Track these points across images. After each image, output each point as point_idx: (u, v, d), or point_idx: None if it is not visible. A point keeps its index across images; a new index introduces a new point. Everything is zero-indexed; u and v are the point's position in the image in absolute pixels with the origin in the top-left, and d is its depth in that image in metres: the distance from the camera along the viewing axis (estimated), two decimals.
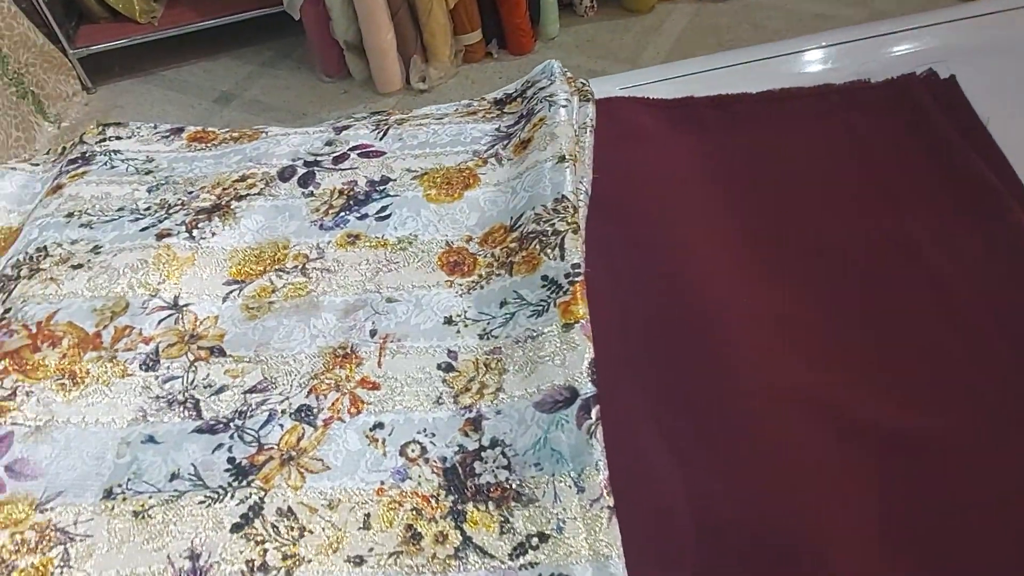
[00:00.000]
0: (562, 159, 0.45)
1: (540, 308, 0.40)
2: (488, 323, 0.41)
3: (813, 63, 0.59)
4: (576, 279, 0.40)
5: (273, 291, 0.44)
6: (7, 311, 0.43)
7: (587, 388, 0.35)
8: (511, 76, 1.93)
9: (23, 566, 0.34)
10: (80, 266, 0.45)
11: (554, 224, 0.42)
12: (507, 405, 0.37)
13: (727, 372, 0.39)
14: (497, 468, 0.35)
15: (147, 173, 0.52)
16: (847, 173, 0.49)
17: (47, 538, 0.35)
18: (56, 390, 0.40)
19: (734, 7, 2.09)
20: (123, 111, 2.11)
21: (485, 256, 0.44)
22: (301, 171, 0.50)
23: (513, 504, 0.34)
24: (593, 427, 0.34)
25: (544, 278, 0.41)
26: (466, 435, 0.37)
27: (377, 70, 1.91)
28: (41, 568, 0.33)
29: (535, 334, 0.39)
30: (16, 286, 0.44)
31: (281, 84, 2.03)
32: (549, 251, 0.41)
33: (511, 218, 0.45)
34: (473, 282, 0.43)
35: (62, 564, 0.34)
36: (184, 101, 2.09)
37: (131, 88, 2.22)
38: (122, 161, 0.53)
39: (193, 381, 0.40)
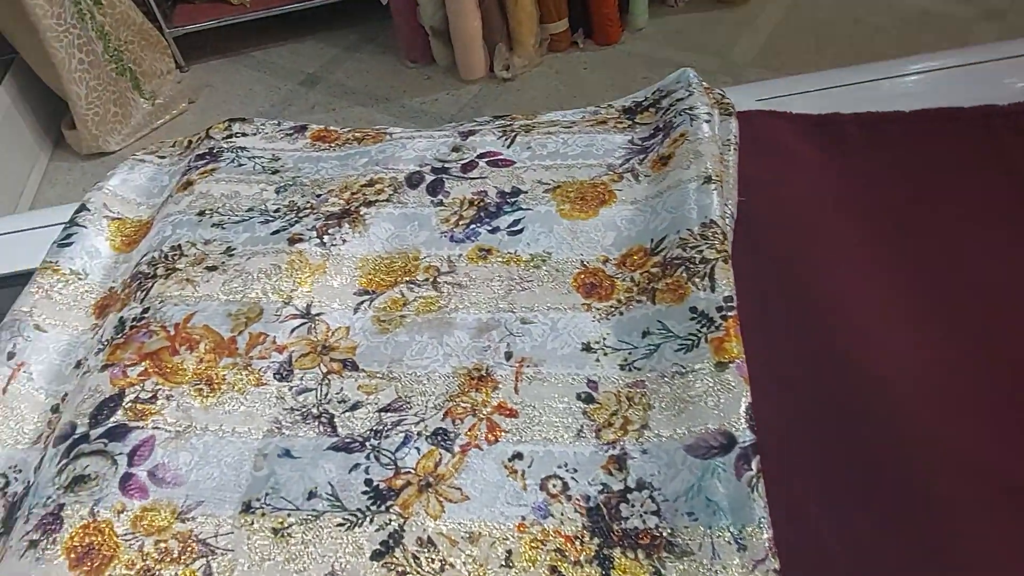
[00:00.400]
0: (708, 180, 0.43)
1: (689, 343, 0.38)
2: (630, 353, 0.39)
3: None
4: (729, 314, 0.37)
5: (404, 304, 0.43)
6: (146, 311, 0.43)
7: (746, 436, 0.33)
8: (596, 66, 1.89)
9: None
10: (215, 268, 0.45)
11: (702, 251, 0.40)
12: (654, 444, 0.35)
13: (890, 423, 0.36)
14: (645, 513, 0.33)
15: (274, 172, 0.52)
16: (1009, 207, 0.45)
17: (189, 549, 0.34)
18: (194, 396, 0.40)
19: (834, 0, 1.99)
20: (213, 90, 2.16)
21: (624, 280, 0.42)
22: (429, 178, 0.49)
23: (665, 555, 0.32)
24: (755, 480, 0.32)
25: (692, 310, 0.38)
26: (610, 473, 0.35)
27: (461, 57, 1.90)
28: None
29: (684, 371, 0.37)
30: (153, 285, 0.45)
31: (365, 68, 2.04)
32: (697, 280, 0.39)
33: (651, 240, 0.43)
34: (612, 307, 0.41)
35: None
36: (271, 82, 2.12)
37: (221, 68, 2.27)
38: (249, 159, 0.53)
39: (327, 395, 0.40)
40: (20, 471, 0.42)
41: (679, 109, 0.48)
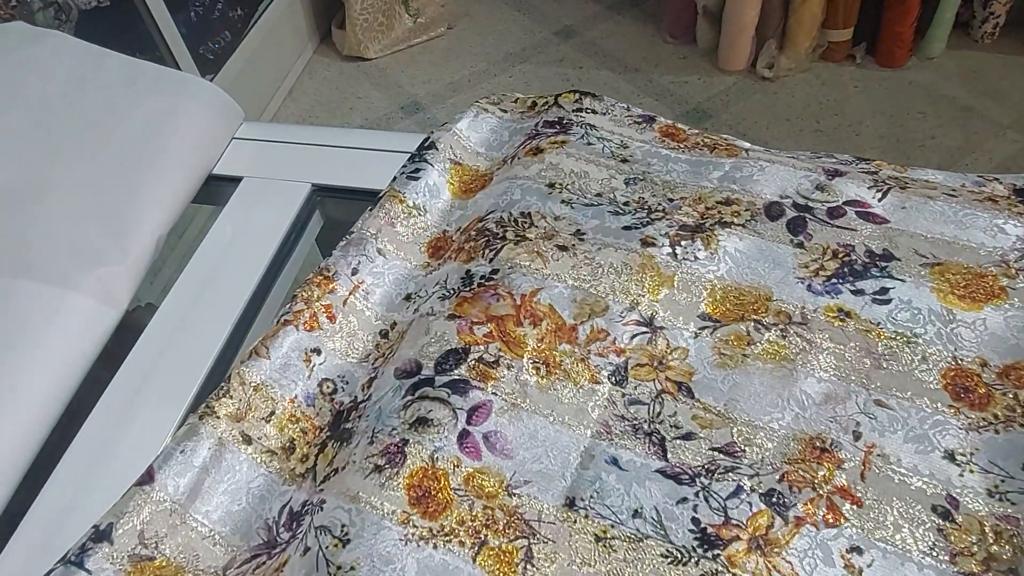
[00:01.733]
0: None
1: None
2: (1003, 481, 0.35)
3: None
4: None
5: (749, 343, 0.41)
6: (495, 272, 0.45)
7: None
8: (868, 87, 1.74)
9: (493, 545, 0.35)
10: (565, 249, 0.45)
11: None
12: None
13: None
14: None
15: (623, 161, 0.51)
16: None
17: (514, 526, 0.35)
18: (532, 372, 0.40)
19: None
20: (472, 20, 2.21)
21: (1005, 393, 0.38)
22: (791, 214, 0.46)
23: None
24: None
25: None
26: None
27: (726, 44, 1.83)
28: (508, 554, 0.34)
29: None
30: (503, 247, 0.46)
31: (622, 32, 2.01)
32: None
33: None
34: (985, 420, 0.37)
35: (525, 559, 0.34)
36: (528, 25, 2.14)
37: (484, 0, 2.31)
38: (598, 139, 0.53)
39: (659, 415, 0.39)
40: (347, 383, 0.45)
41: None
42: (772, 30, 1.71)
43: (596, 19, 2.02)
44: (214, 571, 0.39)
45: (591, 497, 0.36)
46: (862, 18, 1.71)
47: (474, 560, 0.34)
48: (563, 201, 0.48)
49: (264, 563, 0.39)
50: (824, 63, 1.74)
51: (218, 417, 0.42)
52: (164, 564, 0.39)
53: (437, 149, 0.54)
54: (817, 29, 1.70)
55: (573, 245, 0.45)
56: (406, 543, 0.35)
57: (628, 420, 0.39)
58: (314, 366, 0.45)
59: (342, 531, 0.36)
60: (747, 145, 0.53)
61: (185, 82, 0.59)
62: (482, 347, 0.41)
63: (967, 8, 1.69)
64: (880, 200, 0.47)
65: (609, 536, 0.35)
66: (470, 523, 0.35)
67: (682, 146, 0.53)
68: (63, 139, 0.55)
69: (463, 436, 0.38)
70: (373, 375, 0.45)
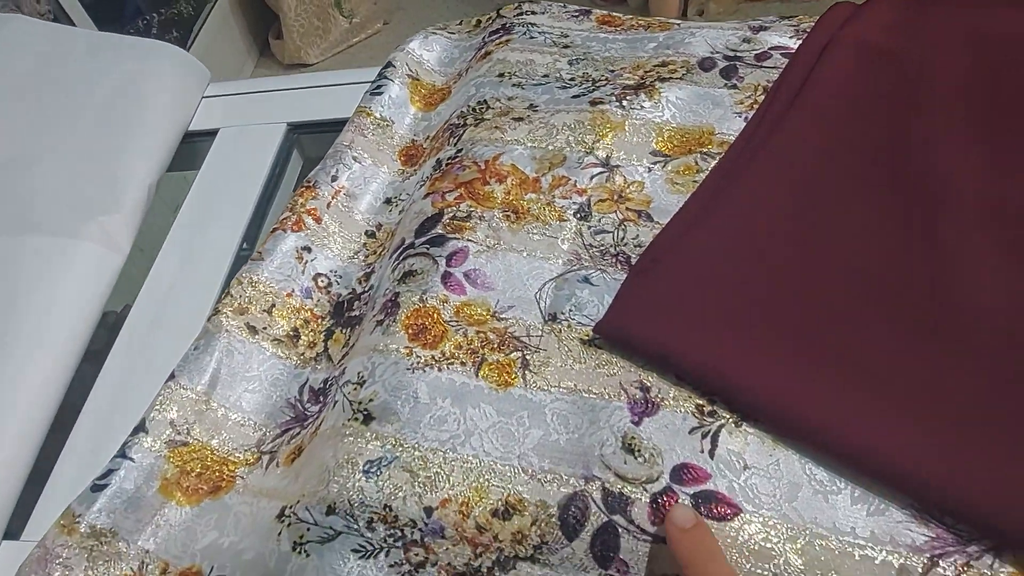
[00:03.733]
0: None
1: None
2: None
3: None
4: None
5: (698, 171, 0.45)
6: (459, 151, 0.48)
7: None
8: (799, 16, 1.80)
9: (491, 360, 0.38)
10: (521, 119, 0.49)
11: None
12: None
13: None
14: None
15: (564, 47, 0.55)
16: None
17: (507, 343, 0.39)
18: (502, 219, 0.44)
19: None
20: (406, 13, 2.25)
21: None
22: (722, 64, 0.50)
23: None
24: None
25: None
26: None
27: None
28: (507, 365, 0.38)
29: None
30: (464, 131, 0.50)
31: (557, 3, 2.05)
32: None
33: None
34: None
35: (523, 367, 0.38)
36: (460, 9, 2.18)
37: None
38: (539, 33, 0.57)
39: (623, 239, 0.43)
40: (341, 277, 0.49)
41: None
42: None
43: None
44: (247, 448, 0.43)
45: (570, 311, 0.40)
46: None
47: (477, 375, 0.38)
48: (514, 84, 0.52)
49: (297, 433, 0.42)
50: (750, 3, 1.80)
51: (222, 314, 0.45)
52: (199, 447, 0.42)
53: (394, 66, 0.58)
54: None
55: (528, 115, 0.49)
56: (413, 371, 0.38)
57: (596, 247, 0.43)
58: (306, 262, 0.49)
59: (358, 377, 0.39)
60: (687, 23, 0.57)
61: (149, 46, 0.63)
62: (455, 207, 0.45)
63: None
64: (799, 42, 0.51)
65: (592, 338, 0.39)
66: (467, 346, 0.39)
67: (619, 30, 0.57)
68: (43, 111, 0.58)
69: (446, 277, 0.42)
70: (368, 270, 0.49)
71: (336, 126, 0.60)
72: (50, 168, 0.55)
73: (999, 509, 0.30)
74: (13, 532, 0.42)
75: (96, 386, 0.48)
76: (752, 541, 0.31)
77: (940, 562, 0.30)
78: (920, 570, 0.30)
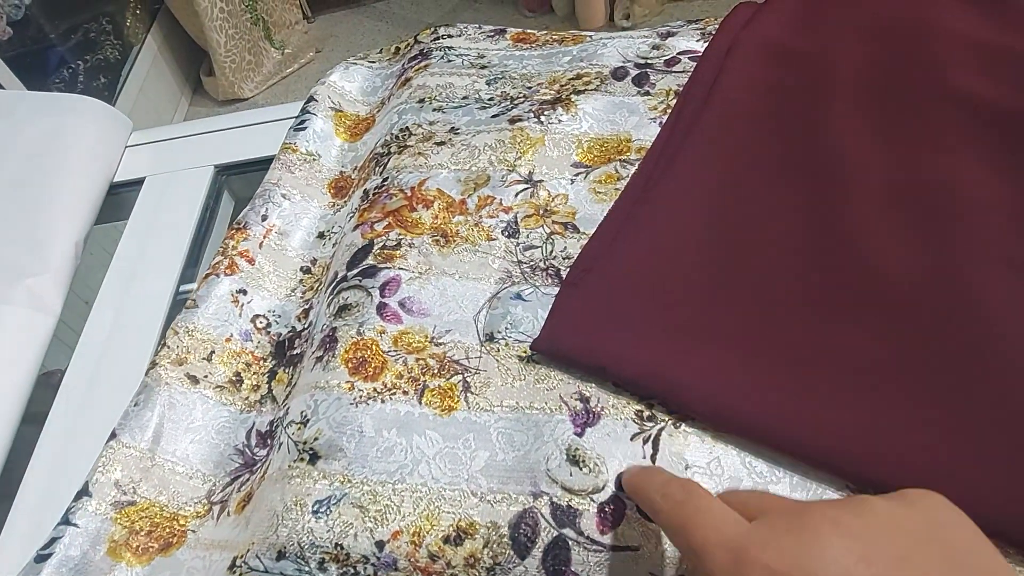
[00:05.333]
0: None
1: None
2: None
3: None
4: None
5: (619, 179, 0.46)
6: (385, 179, 0.49)
7: None
8: (718, 16, 1.86)
9: (432, 386, 0.39)
10: (443, 143, 0.50)
11: None
12: None
13: None
14: None
15: (482, 68, 0.56)
16: None
17: (447, 367, 0.39)
18: (432, 245, 0.45)
19: None
20: (338, 40, 2.25)
21: None
22: (634, 72, 0.52)
23: None
24: None
25: None
26: None
27: (582, 5, 1.91)
28: (448, 390, 0.38)
29: None
30: (389, 160, 0.50)
31: (483, 18, 2.08)
32: None
33: None
34: None
35: (464, 390, 0.38)
36: (393, 32, 2.20)
37: (344, 19, 2.36)
38: (456, 56, 0.58)
39: (552, 252, 0.44)
40: (279, 316, 0.49)
41: None
42: None
43: (456, 11, 2.10)
44: (196, 500, 0.42)
45: (506, 329, 0.40)
46: None
47: (420, 402, 0.38)
48: (435, 109, 0.53)
49: (247, 479, 0.42)
50: (674, 3, 1.85)
51: (161, 366, 0.45)
52: (147, 505, 0.41)
53: (316, 100, 0.59)
54: None
55: (450, 139, 0.50)
56: (356, 405, 0.38)
57: (526, 263, 0.43)
58: (243, 305, 0.48)
59: (302, 416, 0.39)
60: (598, 34, 0.59)
61: (65, 101, 0.62)
62: (384, 237, 0.45)
63: None
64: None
65: (530, 354, 0.39)
66: (407, 375, 0.39)
67: (534, 46, 0.58)
68: None
69: (381, 307, 0.42)
70: (307, 306, 0.49)
71: (264, 164, 0.60)
72: None
73: (928, 483, 0.32)
74: None
75: (36, 452, 0.47)
76: None
77: None
78: None
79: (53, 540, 0.39)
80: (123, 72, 1.85)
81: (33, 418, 0.49)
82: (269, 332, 0.48)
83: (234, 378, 0.46)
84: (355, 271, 0.44)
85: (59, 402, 0.49)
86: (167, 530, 0.41)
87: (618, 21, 1.86)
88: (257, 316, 0.49)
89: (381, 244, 0.45)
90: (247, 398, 0.46)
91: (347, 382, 0.39)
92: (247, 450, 0.43)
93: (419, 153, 0.49)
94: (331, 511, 0.35)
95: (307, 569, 0.34)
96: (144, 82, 1.90)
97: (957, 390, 0.33)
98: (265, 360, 0.47)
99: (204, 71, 2.10)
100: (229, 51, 1.98)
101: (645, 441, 0.35)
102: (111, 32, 1.91)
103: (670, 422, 0.35)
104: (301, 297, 0.50)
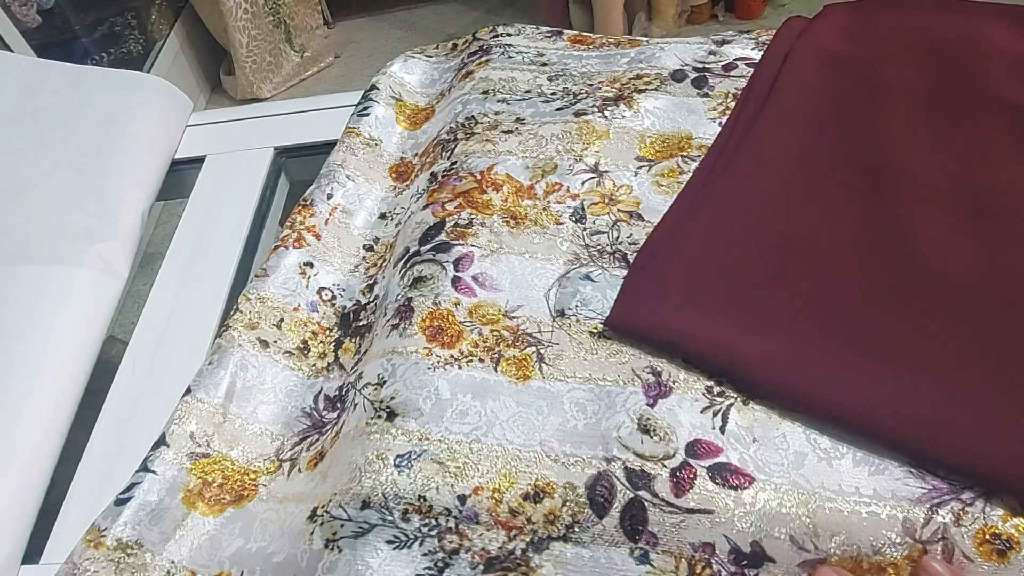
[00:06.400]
0: None
1: None
2: None
3: None
4: None
5: (680, 173, 0.48)
6: (453, 163, 0.51)
7: None
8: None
9: (508, 356, 0.40)
10: (510, 132, 0.52)
11: None
12: None
13: None
14: None
15: (543, 65, 0.59)
16: None
17: (520, 339, 0.41)
18: (502, 225, 0.47)
19: None
20: (358, 46, 2.28)
21: None
22: (693, 75, 0.54)
23: None
24: None
25: None
26: None
27: (600, 24, 1.95)
28: (523, 360, 0.40)
29: None
30: (456, 145, 0.52)
31: None
32: None
33: None
34: None
35: (538, 360, 0.40)
36: (413, 40, 2.22)
37: (365, 26, 2.39)
38: (516, 53, 0.60)
39: (618, 237, 0.46)
40: (344, 290, 0.50)
41: None
42: (639, 3, 1.85)
43: (477, 24, 2.13)
44: (266, 457, 0.43)
45: (576, 307, 0.42)
46: None
47: (496, 370, 0.40)
48: (499, 100, 0.55)
49: (316, 440, 0.43)
50: (691, 25, 1.89)
51: (234, 329, 0.46)
52: (219, 458, 0.43)
53: (378, 89, 0.61)
54: None
55: (517, 128, 0.52)
56: (434, 369, 0.40)
57: (593, 247, 0.45)
58: (310, 277, 0.50)
59: (378, 378, 0.41)
60: (646, 39, 0.61)
61: (129, 77, 0.63)
62: (456, 216, 0.47)
63: None
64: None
65: (601, 331, 0.41)
66: (483, 344, 0.41)
67: (590, 48, 0.60)
68: (28, 142, 0.58)
69: (455, 281, 0.44)
70: (370, 281, 0.50)
71: (321, 148, 0.62)
72: (39, 196, 0.55)
73: (984, 458, 0.33)
74: (31, 556, 0.42)
75: (105, 407, 0.48)
76: (768, 507, 0.33)
77: (939, 510, 0.33)
78: (922, 520, 0.33)
79: (132, 485, 0.40)
80: (144, 67, 1.87)
81: (102, 377, 0.51)
82: (334, 304, 0.50)
83: (302, 345, 0.48)
84: (428, 246, 0.46)
85: (127, 360, 0.50)
86: (239, 483, 0.42)
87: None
88: (323, 289, 0.50)
89: (453, 222, 0.47)
90: (314, 365, 0.47)
91: (424, 348, 0.41)
92: (315, 412, 0.45)
93: (487, 140, 0.51)
94: (412, 465, 0.36)
95: (390, 519, 0.35)
96: (164, 77, 1.92)
97: (1011, 378, 0.35)
98: (331, 331, 0.49)
99: (224, 70, 2.12)
100: (250, 51, 2.00)
101: (715, 414, 0.36)
102: (135, 27, 1.94)
103: (739, 399, 0.37)
104: (364, 273, 0.52)
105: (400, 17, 2.37)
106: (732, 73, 0.54)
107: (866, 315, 0.39)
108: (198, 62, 2.10)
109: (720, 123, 0.51)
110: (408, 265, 0.46)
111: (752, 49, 0.57)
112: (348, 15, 2.41)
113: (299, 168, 0.65)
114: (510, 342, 0.41)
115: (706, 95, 0.53)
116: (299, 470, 0.42)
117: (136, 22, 1.94)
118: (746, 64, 0.55)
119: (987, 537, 0.32)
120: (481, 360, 0.40)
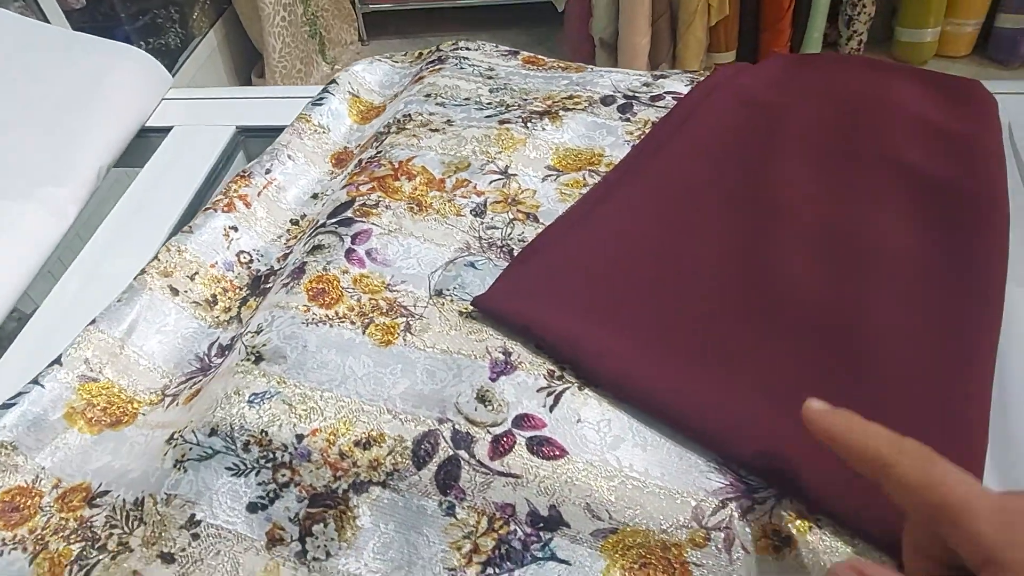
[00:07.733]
0: None
1: None
2: None
3: None
4: None
5: (584, 185, 0.52)
6: (378, 152, 0.55)
7: None
8: None
9: (378, 322, 0.43)
10: (437, 130, 0.55)
11: None
12: None
13: None
14: None
15: (488, 78, 0.63)
16: None
17: (395, 309, 0.44)
18: (406, 210, 0.50)
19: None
20: None
21: None
22: (620, 101, 0.58)
23: None
24: None
25: None
26: None
27: (624, 63, 1.99)
28: (391, 327, 0.43)
29: None
30: (387, 137, 0.56)
31: None
32: None
33: None
34: None
35: (405, 330, 0.43)
36: None
37: (398, 47, 2.48)
38: (469, 65, 0.64)
39: (510, 234, 0.49)
40: (263, 255, 0.54)
41: None
42: (663, 55, 1.90)
43: None
44: (152, 391, 0.47)
45: (454, 289, 0.45)
46: (742, 41, 1.91)
47: (363, 332, 0.43)
48: (437, 103, 0.59)
49: (200, 380, 0.46)
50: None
51: (148, 274, 0.50)
52: (108, 385, 0.46)
53: (338, 84, 0.65)
54: (704, 53, 1.90)
55: (444, 128, 0.56)
56: (307, 324, 0.43)
57: (485, 239, 0.49)
58: (232, 240, 0.54)
59: (258, 327, 0.44)
60: (593, 66, 0.65)
61: (115, 47, 0.69)
62: (365, 197, 0.51)
63: (833, 28, 1.92)
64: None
65: (469, 311, 0.44)
66: (359, 309, 0.44)
67: (540, 68, 0.65)
68: (7, 92, 0.63)
69: (349, 252, 0.47)
70: (288, 251, 0.54)
71: (280, 132, 0.66)
72: (5, 140, 0.60)
73: (779, 464, 0.36)
74: None
75: (22, 334, 0.51)
76: (573, 477, 0.36)
77: (730, 504, 0.35)
78: (711, 509, 0.35)
79: (20, 394, 0.44)
80: (180, 60, 1.96)
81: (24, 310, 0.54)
82: (250, 267, 0.53)
83: (210, 299, 0.51)
84: (333, 220, 0.50)
85: (50, 298, 0.54)
86: (121, 409, 0.45)
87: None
88: (242, 252, 0.54)
89: (361, 202, 0.50)
90: (217, 317, 0.51)
91: (304, 306, 0.44)
92: (206, 358, 0.48)
93: (413, 135, 0.55)
94: (263, 403, 0.39)
95: (233, 448, 0.38)
96: (197, 72, 2.00)
97: (833, 397, 0.38)
98: (241, 289, 0.52)
99: (255, 72, 2.21)
100: (283, 57, 2.09)
101: (549, 395, 0.39)
102: (177, 21, 2.04)
103: (575, 385, 0.40)
104: (285, 244, 0.55)
105: (432, 43, 2.44)
106: (658, 103, 0.57)
107: (712, 330, 0.42)
108: (232, 62, 2.19)
109: (631, 144, 0.54)
110: (312, 235, 0.49)
111: (685, 85, 0.60)
112: (383, 35, 2.50)
113: (259, 148, 0.69)
114: (384, 311, 0.44)
115: (627, 120, 0.56)
116: (176, 404, 0.45)
117: (179, 16, 2.04)
118: (673, 97, 0.58)
119: (767, 533, 0.34)
120: (353, 323, 0.43)
